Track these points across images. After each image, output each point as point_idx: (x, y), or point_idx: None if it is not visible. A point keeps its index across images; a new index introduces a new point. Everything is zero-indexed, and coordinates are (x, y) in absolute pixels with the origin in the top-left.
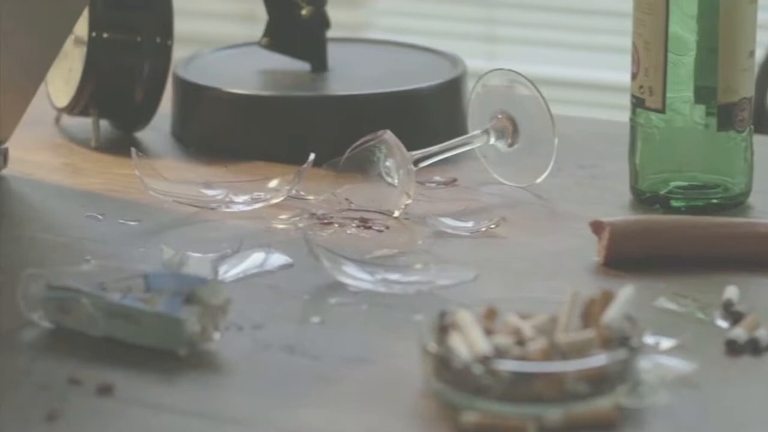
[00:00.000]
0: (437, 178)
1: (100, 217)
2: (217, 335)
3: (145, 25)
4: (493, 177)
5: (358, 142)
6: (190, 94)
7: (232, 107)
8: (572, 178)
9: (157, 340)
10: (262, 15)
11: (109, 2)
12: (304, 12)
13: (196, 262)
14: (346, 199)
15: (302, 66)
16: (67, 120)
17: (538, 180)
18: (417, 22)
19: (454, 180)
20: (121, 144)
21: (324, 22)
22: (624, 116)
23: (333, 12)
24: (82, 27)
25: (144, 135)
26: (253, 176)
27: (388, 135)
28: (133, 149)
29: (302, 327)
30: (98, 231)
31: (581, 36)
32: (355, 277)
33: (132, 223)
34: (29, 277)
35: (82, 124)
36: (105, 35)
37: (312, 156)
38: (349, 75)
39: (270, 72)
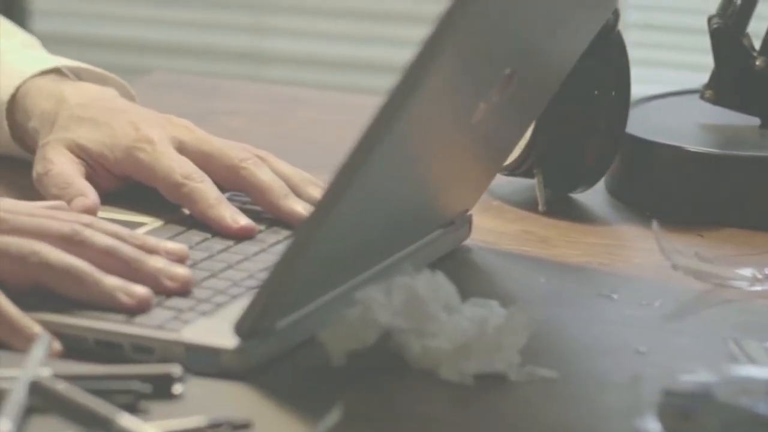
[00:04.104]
0: None
1: (614, 296)
2: None
3: (601, 77)
4: None
5: None
6: (639, 150)
7: (700, 168)
8: None
9: None
10: None
11: None
12: (758, 62)
13: None
14: None
15: (745, 120)
16: None
17: None
18: None
19: None
20: (561, 205)
21: None
22: None
23: None
24: None
25: (579, 195)
26: (738, 247)
27: None
28: (654, 221)
29: None
30: (622, 315)
31: None
32: None
33: (656, 304)
34: (636, 379)
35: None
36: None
37: None
38: None
39: (715, 126)
